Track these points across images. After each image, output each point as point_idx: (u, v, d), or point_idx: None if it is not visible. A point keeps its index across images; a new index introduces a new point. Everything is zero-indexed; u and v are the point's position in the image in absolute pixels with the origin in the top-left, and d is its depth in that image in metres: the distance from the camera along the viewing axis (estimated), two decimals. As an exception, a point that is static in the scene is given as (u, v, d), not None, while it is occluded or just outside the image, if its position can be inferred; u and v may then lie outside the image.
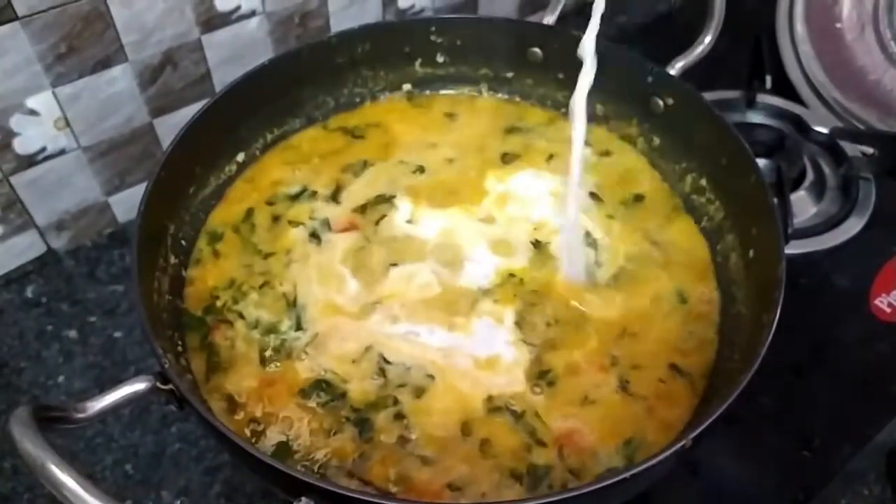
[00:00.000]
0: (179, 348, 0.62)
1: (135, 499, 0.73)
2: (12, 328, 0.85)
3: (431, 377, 0.62)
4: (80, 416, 0.46)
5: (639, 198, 0.77)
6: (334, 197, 0.77)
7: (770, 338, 0.53)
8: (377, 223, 0.74)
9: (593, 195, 0.77)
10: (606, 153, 0.82)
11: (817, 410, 0.77)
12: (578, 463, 0.58)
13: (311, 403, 0.61)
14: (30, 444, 0.39)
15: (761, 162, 0.90)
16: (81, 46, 0.79)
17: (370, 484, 0.55)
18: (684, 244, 0.74)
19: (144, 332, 0.52)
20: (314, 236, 0.73)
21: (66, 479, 0.39)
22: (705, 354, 0.65)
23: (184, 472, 0.74)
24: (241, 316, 0.66)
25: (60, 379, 0.81)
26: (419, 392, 0.61)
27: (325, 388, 0.61)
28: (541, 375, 0.63)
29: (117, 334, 0.85)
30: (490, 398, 0.61)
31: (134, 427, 0.77)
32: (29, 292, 0.89)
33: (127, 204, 0.94)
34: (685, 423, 0.60)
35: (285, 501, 0.47)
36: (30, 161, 0.83)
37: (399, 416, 0.60)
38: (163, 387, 0.49)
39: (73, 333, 0.85)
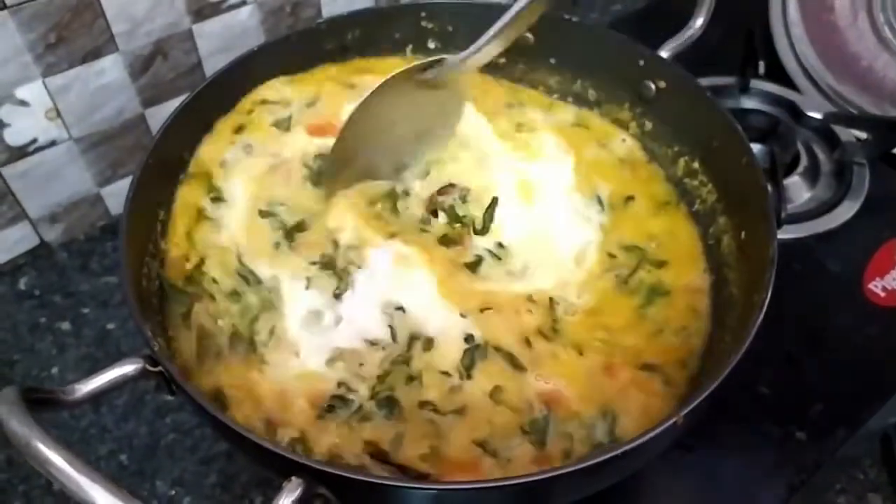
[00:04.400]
0: (170, 334, 0.62)
1: (130, 489, 0.72)
2: (5, 321, 0.85)
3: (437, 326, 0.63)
4: (69, 398, 0.46)
5: (630, 198, 0.76)
6: None
7: (761, 318, 0.53)
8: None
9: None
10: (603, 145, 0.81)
11: (811, 395, 0.77)
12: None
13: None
14: (16, 423, 0.39)
15: (755, 147, 0.89)
16: (71, 36, 0.78)
17: (404, 467, 0.55)
18: (676, 232, 0.73)
19: (132, 313, 0.51)
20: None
21: (53, 457, 0.38)
22: (693, 341, 0.65)
23: (179, 462, 0.74)
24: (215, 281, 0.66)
25: (54, 371, 0.81)
26: (427, 344, 0.62)
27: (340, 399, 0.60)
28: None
29: (110, 326, 0.85)
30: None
31: (128, 418, 0.77)
32: (22, 284, 0.89)
33: (119, 196, 0.91)
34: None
35: (280, 488, 0.47)
36: (21, 152, 0.83)
37: (411, 379, 0.60)
38: (152, 369, 0.49)
39: (66, 325, 0.85)
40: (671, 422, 0.45)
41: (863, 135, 0.96)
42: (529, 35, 0.80)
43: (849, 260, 0.88)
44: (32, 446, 0.38)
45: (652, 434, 0.44)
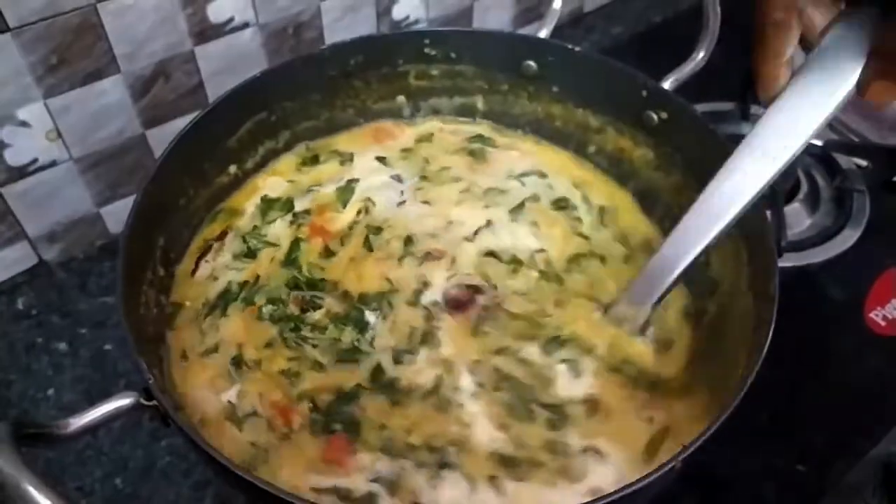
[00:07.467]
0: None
1: (124, 514, 0.72)
2: (2, 340, 0.85)
3: None
4: (62, 433, 0.45)
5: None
6: None
7: (763, 356, 0.53)
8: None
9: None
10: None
11: (813, 424, 0.76)
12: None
13: None
14: (4, 462, 0.38)
15: (755, 174, 0.90)
16: (73, 58, 0.78)
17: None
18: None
19: (130, 349, 0.51)
20: None
21: (42, 500, 0.38)
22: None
23: (173, 485, 0.74)
24: None
25: (50, 392, 0.81)
26: None
27: None
28: None
29: (108, 347, 0.85)
30: None
31: (124, 440, 0.77)
32: (20, 304, 0.88)
33: (119, 215, 0.93)
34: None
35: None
36: (21, 172, 0.83)
37: None
38: (147, 403, 0.48)
39: (63, 346, 0.85)
40: (668, 466, 0.45)
41: (863, 162, 0.96)
42: (532, 63, 0.80)
43: (850, 288, 0.87)
44: (22, 489, 0.38)
45: (648, 480, 0.44)
